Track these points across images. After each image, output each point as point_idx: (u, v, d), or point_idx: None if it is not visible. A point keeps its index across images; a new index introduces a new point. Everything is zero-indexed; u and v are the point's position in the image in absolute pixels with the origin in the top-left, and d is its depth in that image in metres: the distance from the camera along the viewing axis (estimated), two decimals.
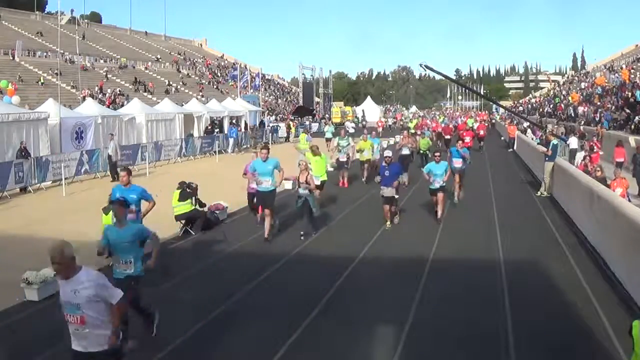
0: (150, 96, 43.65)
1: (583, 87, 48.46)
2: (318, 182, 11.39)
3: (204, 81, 59.10)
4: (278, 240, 9.98)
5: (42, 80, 39.77)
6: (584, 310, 6.56)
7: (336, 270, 8.09)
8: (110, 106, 32.10)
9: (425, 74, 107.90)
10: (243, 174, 11.20)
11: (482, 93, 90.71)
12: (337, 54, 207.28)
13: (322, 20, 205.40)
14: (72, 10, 64.20)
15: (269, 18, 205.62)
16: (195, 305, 6.77)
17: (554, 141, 14.92)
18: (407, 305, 6.72)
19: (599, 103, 34.18)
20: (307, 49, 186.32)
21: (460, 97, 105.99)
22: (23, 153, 15.89)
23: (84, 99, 30.29)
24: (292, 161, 11.71)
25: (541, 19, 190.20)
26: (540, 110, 53.17)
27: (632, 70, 38.68)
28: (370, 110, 68.07)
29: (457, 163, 13.11)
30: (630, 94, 29.16)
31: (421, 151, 19.47)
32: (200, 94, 48.99)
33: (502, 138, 37.29)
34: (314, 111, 53.69)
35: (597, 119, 29.90)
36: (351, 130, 26.57)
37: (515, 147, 27.69)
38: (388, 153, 10.86)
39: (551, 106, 49.80)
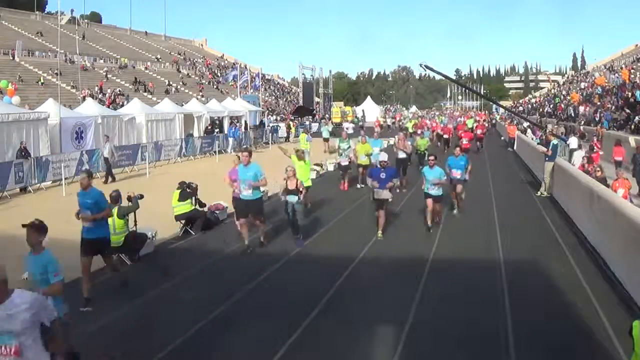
0: (150, 96, 43.66)
1: (583, 87, 48.49)
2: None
3: (204, 81, 59.13)
4: (278, 240, 9.98)
5: (42, 80, 39.78)
6: (584, 310, 6.56)
7: (336, 270, 8.08)
8: (110, 106, 32.12)
9: (425, 74, 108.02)
10: (225, 180, 10.44)
11: (482, 93, 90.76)
12: (337, 54, 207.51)
13: (322, 20, 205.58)
14: (72, 10, 64.30)
15: (269, 18, 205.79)
16: (195, 305, 6.77)
17: (554, 141, 14.92)
18: (407, 305, 6.72)
19: (599, 103, 34.18)
20: (307, 49, 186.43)
21: (460, 97, 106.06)
22: (23, 153, 15.89)
23: (84, 99, 30.30)
24: (282, 163, 11.25)
25: (541, 19, 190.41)
26: (540, 110, 53.19)
27: (632, 70, 38.68)
28: (370, 111, 68.11)
29: (456, 174, 11.83)
30: (630, 94, 29.17)
31: (419, 151, 18.90)
32: (200, 94, 49.02)
33: (502, 138, 37.28)
34: (314, 111, 53.69)
35: (597, 119, 29.92)
36: (350, 131, 26.23)
37: (515, 147, 27.69)
38: (384, 157, 10.42)
39: (551, 106, 49.82)
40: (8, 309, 3.31)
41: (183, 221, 10.46)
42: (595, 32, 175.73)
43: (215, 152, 25.81)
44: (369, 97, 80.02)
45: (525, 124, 31.39)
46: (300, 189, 9.57)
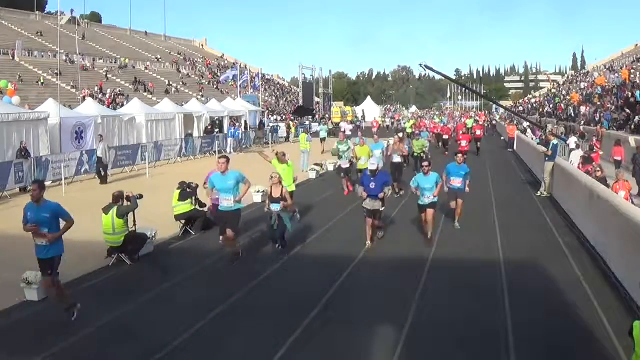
0: (150, 96, 43.67)
1: (583, 87, 48.49)
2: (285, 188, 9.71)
3: (204, 81, 59.14)
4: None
5: (42, 80, 39.77)
6: (584, 310, 6.56)
7: (336, 270, 8.09)
8: (110, 106, 32.12)
9: (425, 74, 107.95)
10: (204, 185, 9.83)
11: (482, 93, 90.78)
12: (337, 54, 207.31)
13: (322, 20, 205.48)
14: (72, 10, 64.22)
15: (269, 18, 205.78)
16: (195, 305, 6.77)
17: (554, 141, 14.93)
18: (407, 306, 6.72)
19: (599, 103, 34.18)
20: (307, 49, 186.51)
21: (460, 97, 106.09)
22: (23, 153, 15.89)
23: (84, 99, 30.28)
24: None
25: (541, 19, 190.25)
26: (540, 110, 53.19)
27: (632, 70, 38.68)
28: (370, 111, 68.15)
29: (456, 182, 10.72)
30: (630, 94, 29.17)
31: (415, 154, 18.42)
32: (200, 94, 49.03)
33: (502, 138, 37.29)
34: (314, 111, 53.67)
35: (597, 119, 29.92)
36: (348, 133, 25.76)
37: (515, 147, 27.70)
38: (372, 166, 9.26)
39: (551, 106, 49.82)
40: None
41: (183, 221, 10.46)
42: (595, 32, 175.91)
43: (215, 152, 25.81)
44: (369, 97, 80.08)
45: (525, 124, 31.41)
46: (286, 198, 8.72)
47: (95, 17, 78.79)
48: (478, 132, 27.11)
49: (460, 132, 25.09)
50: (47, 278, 6.28)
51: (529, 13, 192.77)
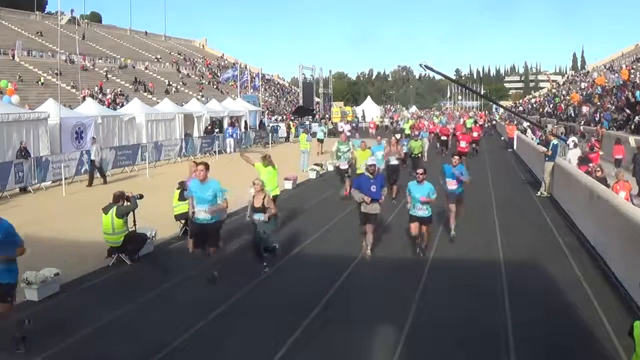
0: (150, 96, 43.67)
1: (583, 87, 48.49)
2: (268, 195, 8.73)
3: (204, 81, 59.15)
4: (278, 240, 9.95)
5: (42, 80, 39.76)
6: (584, 310, 6.56)
7: (336, 270, 8.09)
8: (110, 106, 32.12)
9: (425, 74, 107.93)
10: (182, 192, 9.43)
11: (482, 93, 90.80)
12: (337, 54, 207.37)
13: (322, 20, 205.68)
14: (72, 10, 64.20)
15: (269, 18, 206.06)
16: (195, 305, 6.77)
17: (554, 141, 14.93)
18: (407, 306, 6.72)
19: (599, 103, 34.19)
20: (307, 49, 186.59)
21: (460, 97, 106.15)
22: (23, 153, 15.88)
23: (84, 99, 30.29)
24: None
25: (541, 19, 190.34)
26: (540, 110, 53.20)
27: (632, 70, 38.68)
28: (370, 111, 68.11)
29: (452, 185, 9.92)
30: (630, 94, 29.18)
31: (413, 154, 17.95)
32: (200, 94, 49.04)
33: (502, 138, 37.30)
34: (314, 111, 53.64)
35: (597, 119, 29.92)
36: (348, 133, 25.43)
37: (515, 147, 27.69)
38: (372, 161, 8.89)
39: (551, 106, 49.83)
40: None
41: (183, 221, 10.44)
42: (595, 32, 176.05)
43: (215, 152, 25.83)
44: (369, 97, 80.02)
45: (525, 124, 31.40)
46: (271, 207, 7.95)
47: (95, 17, 78.80)
48: (475, 134, 26.12)
49: (460, 133, 24.24)
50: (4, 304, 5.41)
51: (529, 13, 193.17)
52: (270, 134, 34.23)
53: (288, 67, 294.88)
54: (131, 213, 8.83)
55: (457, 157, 10.29)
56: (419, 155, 18.20)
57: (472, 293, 7.13)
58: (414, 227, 8.70)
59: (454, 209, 9.92)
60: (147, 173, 19.15)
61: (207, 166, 7.55)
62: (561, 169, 13.63)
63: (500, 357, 5.46)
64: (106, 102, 35.57)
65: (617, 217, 7.77)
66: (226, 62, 74.06)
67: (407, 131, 28.43)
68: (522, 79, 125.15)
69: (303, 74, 52.54)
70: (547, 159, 14.51)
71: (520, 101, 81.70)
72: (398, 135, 18.96)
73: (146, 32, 74.68)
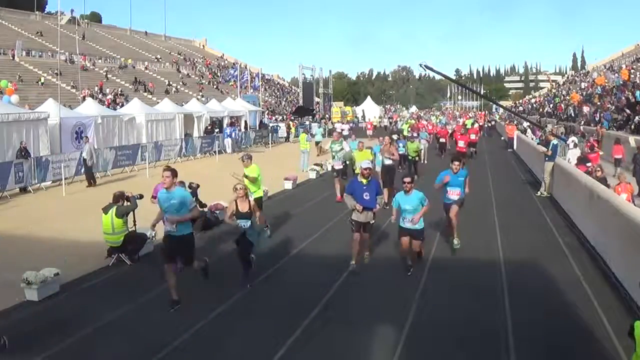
0: (150, 96, 43.67)
1: (583, 87, 48.49)
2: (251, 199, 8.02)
3: (204, 81, 59.15)
4: (277, 240, 9.97)
5: (42, 80, 39.76)
6: (584, 310, 6.56)
7: (336, 270, 8.08)
8: (110, 106, 32.12)
9: (425, 74, 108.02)
10: (152, 197, 8.90)
11: (482, 93, 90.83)
12: (337, 54, 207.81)
13: (322, 20, 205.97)
14: (72, 10, 64.33)
15: (269, 18, 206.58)
16: (196, 305, 6.76)
17: (554, 141, 14.93)
18: (407, 305, 6.72)
19: (599, 103, 34.19)
20: (307, 49, 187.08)
21: (460, 97, 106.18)
22: (23, 153, 15.89)
23: (84, 99, 30.30)
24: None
25: (541, 19, 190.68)
26: (540, 110, 53.21)
27: (632, 70, 38.69)
28: (370, 111, 68.17)
29: (453, 194, 9.05)
30: (630, 94, 29.17)
31: (410, 157, 17.34)
32: (200, 94, 49.04)
33: (502, 138, 37.30)
34: (314, 111, 53.65)
35: (597, 118, 29.92)
36: (345, 133, 25.03)
37: (515, 147, 27.69)
38: (367, 164, 8.11)
39: (551, 106, 49.83)
40: None
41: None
42: (595, 32, 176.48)
43: (215, 152, 25.83)
44: (369, 97, 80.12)
45: (525, 124, 31.42)
46: (256, 213, 7.56)
47: (95, 17, 78.85)
48: (473, 137, 24.67)
49: (459, 133, 23.73)
50: None
51: (529, 13, 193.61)
52: (270, 134, 34.24)
53: (288, 67, 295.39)
54: (131, 213, 8.84)
55: (457, 162, 9.20)
56: (416, 158, 17.58)
57: (472, 293, 7.13)
58: (405, 242, 7.96)
59: (455, 220, 9.11)
60: (147, 173, 19.14)
61: (174, 172, 6.76)
62: (561, 169, 13.62)
63: (500, 357, 5.46)
64: (106, 102, 35.57)
65: (617, 217, 7.77)
66: (226, 62, 74.07)
67: (406, 132, 27.98)
68: (522, 79, 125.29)
69: (303, 74, 52.54)
70: (547, 159, 14.51)
71: (520, 101, 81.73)
72: (395, 136, 18.69)
73: (146, 32, 74.73)
